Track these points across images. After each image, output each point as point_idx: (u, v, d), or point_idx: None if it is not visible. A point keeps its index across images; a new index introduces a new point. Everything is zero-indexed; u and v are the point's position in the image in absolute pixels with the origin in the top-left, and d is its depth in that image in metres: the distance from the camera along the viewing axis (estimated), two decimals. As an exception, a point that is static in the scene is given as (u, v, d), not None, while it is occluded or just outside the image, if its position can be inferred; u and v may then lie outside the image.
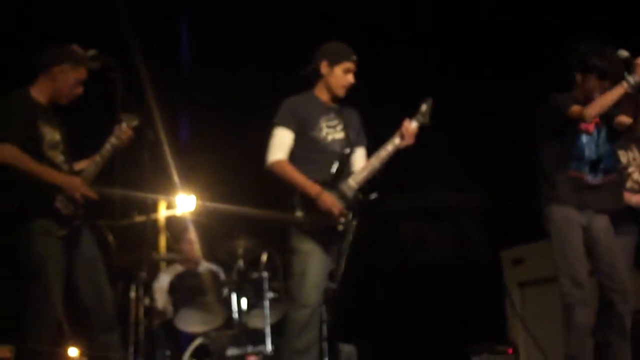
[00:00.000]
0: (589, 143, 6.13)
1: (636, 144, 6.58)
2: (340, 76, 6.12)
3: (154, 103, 7.47)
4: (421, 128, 6.10)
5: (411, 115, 6.12)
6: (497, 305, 8.71)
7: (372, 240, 6.37)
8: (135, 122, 6.00)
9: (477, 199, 8.47)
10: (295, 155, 6.07)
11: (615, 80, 5.94)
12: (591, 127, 6.14)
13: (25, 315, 5.64)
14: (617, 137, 6.32)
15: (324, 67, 6.16)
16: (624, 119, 6.29)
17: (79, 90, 6.01)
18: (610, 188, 6.19)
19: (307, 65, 6.24)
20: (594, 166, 6.10)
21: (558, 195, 6.10)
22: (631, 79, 5.82)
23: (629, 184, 6.51)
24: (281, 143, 6.07)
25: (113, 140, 5.90)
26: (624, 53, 5.90)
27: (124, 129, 5.93)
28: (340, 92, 6.15)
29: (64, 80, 5.93)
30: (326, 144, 6.09)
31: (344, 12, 9.48)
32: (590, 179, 6.10)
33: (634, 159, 6.60)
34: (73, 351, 7.61)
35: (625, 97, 5.98)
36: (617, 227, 6.22)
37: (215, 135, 9.26)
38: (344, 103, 6.28)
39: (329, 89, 6.16)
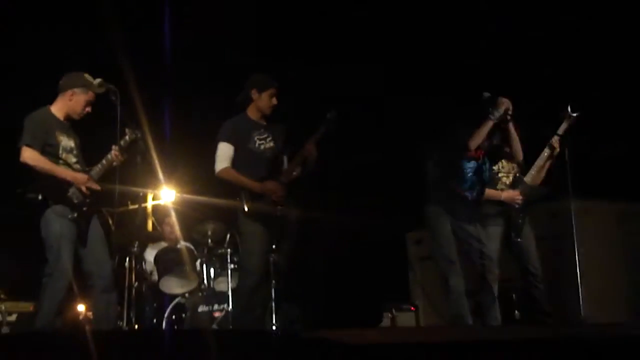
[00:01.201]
0: (473, 167, 6.31)
1: (504, 157, 6.69)
2: (267, 99, 6.35)
3: (143, 117, 7.69)
4: (326, 134, 6.29)
5: (318, 125, 6.31)
6: (403, 275, 8.74)
7: (308, 223, 6.55)
8: (138, 135, 6.16)
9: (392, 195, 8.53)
10: (237, 163, 6.26)
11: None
12: (478, 155, 6.31)
13: (44, 279, 5.78)
14: (494, 158, 6.54)
15: (254, 94, 6.36)
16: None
17: (88, 109, 6.12)
18: (480, 202, 6.39)
19: (240, 93, 6.38)
20: (473, 186, 6.31)
21: (436, 200, 6.30)
22: (495, 113, 6.09)
23: (499, 186, 6.64)
24: (224, 155, 6.25)
25: (117, 148, 6.06)
26: (486, 94, 6.12)
27: (126, 140, 6.10)
28: (268, 112, 6.37)
29: (77, 101, 6.08)
30: (259, 153, 6.30)
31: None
32: (468, 195, 6.30)
33: (503, 167, 6.73)
34: (81, 307, 7.61)
35: (497, 126, 6.21)
36: (487, 219, 6.47)
37: (192, 138, 9.12)
38: (271, 119, 6.44)
39: (259, 110, 6.39)
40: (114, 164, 6.10)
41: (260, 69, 6.57)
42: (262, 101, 6.38)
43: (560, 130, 6.67)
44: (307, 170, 6.35)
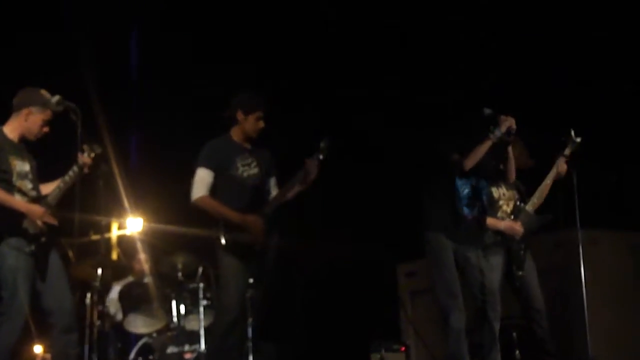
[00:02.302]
0: (467, 184, 6.12)
1: (504, 182, 6.58)
2: (253, 123, 6.09)
3: (107, 139, 7.46)
4: (322, 161, 6.08)
5: (313, 152, 6.09)
6: (393, 311, 8.54)
7: (289, 256, 6.38)
8: (98, 151, 5.92)
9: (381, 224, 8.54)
10: (217, 190, 6.02)
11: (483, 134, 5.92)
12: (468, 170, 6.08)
13: None
14: (490, 178, 6.35)
15: (239, 115, 6.10)
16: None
17: (46, 129, 5.90)
18: (481, 221, 6.21)
19: (225, 111, 6.18)
20: (470, 204, 6.11)
21: (436, 224, 6.06)
22: (496, 132, 5.85)
23: (499, 214, 6.54)
24: (202, 181, 6.01)
25: (75, 168, 5.82)
26: (487, 110, 5.91)
27: (85, 158, 5.84)
28: (254, 135, 6.14)
29: (33, 121, 5.83)
30: (242, 179, 6.05)
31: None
32: (466, 213, 6.08)
33: (503, 194, 6.62)
34: (38, 348, 7.56)
35: (496, 146, 5.99)
36: (488, 249, 6.26)
37: (160, 163, 9.15)
38: (256, 142, 6.22)
39: (244, 133, 6.13)
40: (73, 184, 5.86)
41: (237, 85, 6.40)
42: (248, 124, 6.12)
43: (566, 152, 6.53)
44: (297, 192, 6.14)
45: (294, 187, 6.10)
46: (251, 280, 6.14)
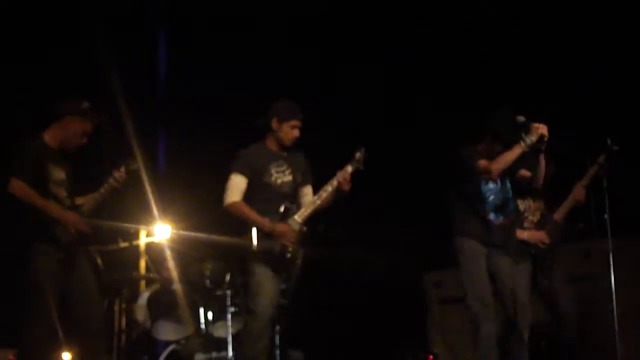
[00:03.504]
0: (493, 190, 6.15)
1: (530, 194, 6.58)
2: (288, 131, 6.10)
3: (137, 148, 7.51)
4: (356, 172, 6.09)
5: (347, 161, 6.10)
6: (421, 320, 8.56)
7: (318, 264, 6.36)
8: (135, 166, 6.01)
9: (407, 232, 8.46)
10: (250, 197, 6.03)
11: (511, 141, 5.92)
12: (495, 177, 6.10)
13: (25, 323, 5.64)
14: (516, 186, 6.33)
15: (274, 123, 6.11)
16: (525, 173, 6.30)
17: (84, 140, 5.98)
18: (509, 227, 6.20)
19: (260, 118, 6.19)
20: (497, 209, 6.12)
21: (466, 231, 6.08)
22: (527, 140, 5.82)
23: (525, 225, 6.54)
24: (236, 187, 6.03)
25: (112, 181, 5.89)
26: (521, 118, 5.88)
27: (122, 172, 5.91)
28: (289, 144, 6.14)
29: (73, 130, 5.92)
30: (276, 186, 6.07)
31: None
32: (493, 219, 6.10)
33: (529, 206, 6.62)
34: (66, 355, 7.20)
35: (526, 154, 5.97)
36: (515, 257, 6.26)
37: (188, 170, 9.06)
38: (292, 149, 6.21)
39: (278, 141, 6.13)
40: (107, 195, 5.94)
41: (267, 95, 6.35)
42: (283, 132, 6.14)
43: (600, 161, 6.44)
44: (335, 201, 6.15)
45: (326, 198, 6.10)
46: (282, 287, 6.11)
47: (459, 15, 8.83)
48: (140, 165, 6.11)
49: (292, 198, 6.14)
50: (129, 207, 6.48)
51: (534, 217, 6.62)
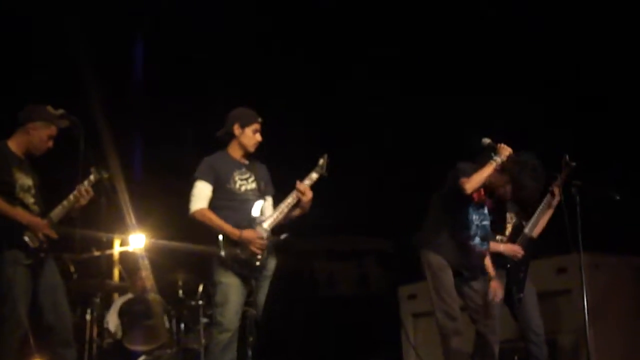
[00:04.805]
0: (485, 218, 6.17)
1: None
2: (251, 136, 6.12)
3: (111, 154, 7.49)
4: (320, 179, 6.11)
5: (310, 169, 6.11)
6: (394, 332, 8.49)
7: (290, 274, 6.34)
8: (105, 175, 5.99)
9: (380, 243, 8.45)
10: (214, 204, 6.00)
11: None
12: (480, 200, 6.13)
13: None
14: (501, 208, 6.42)
15: (236, 129, 6.13)
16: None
17: (50, 144, 5.94)
18: (484, 256, 6.21)
19: (221, 129, 6.20)
20: (484, 237, 6.14)
21: (438, 245, 6.07)
22: (498, 159, 5.87)
23: (498, 237, 6.57)
24: (201, 194, 6.02)
25: (77, 193, 5.86)
26: (486, 140, 5.98)
27: (87, 187, 5.89)
28: (252, 149, 6.16)
29: (37, 135, 5.89)
30: (240, 194, 6.05)
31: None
32: (477, 244, 6.10)
33: (511, 218, 6.69)
34: None
35: (496, 171, 5.99)
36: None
37: (164, 179, 9.06)
38: (253, 158, 6.22)
39: (242, 147, 6.15)
40: (76, 205, 5.91)
41: (240, 104, 6.34)
42: (245, 137, 6.16)
43: (561, 177, 6.52)
44: (299, 213, 6.14)
45: (289, 209, 6.09)
46: (250, 298, 6.06)
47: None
48: (112, 174, 6.11)
49: (255, 206, 6.08)
50: (103, 216, 6.41)
51: (507, 231, 6.67)
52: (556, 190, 6.56)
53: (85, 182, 5.91)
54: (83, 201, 5.91)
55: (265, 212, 6.13)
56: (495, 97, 8.43)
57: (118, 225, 7.96)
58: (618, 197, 6.37)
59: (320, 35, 9.34)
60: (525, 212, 6.74)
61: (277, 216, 6.07)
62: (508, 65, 8.56)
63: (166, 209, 8.59)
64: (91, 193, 5.93)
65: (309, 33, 9.34)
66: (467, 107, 8.54)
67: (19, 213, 5.73)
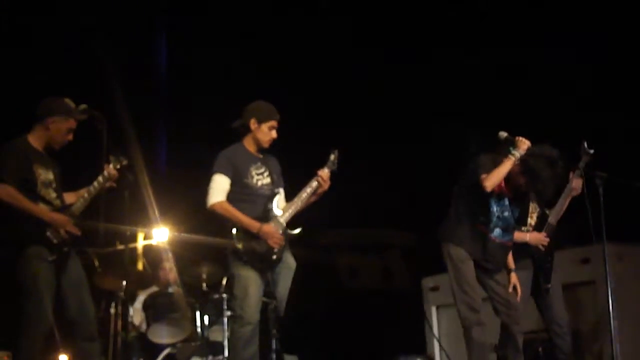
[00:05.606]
0: (507, 208, 6.11)
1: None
2: (266, 132, 6.12)
3: (134, 147, 7.53)
4: (332, 174, 6.16)
5: (322, 163, 6.15)
6: (418, 324, 8.45)
7: (312, 267, 6.35)
8: (124, 162, 6.01)
9: (403, 236, 8.41)
10: (230, 198, 6.04)
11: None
12: (501, 192, 6.07)
13: (21, 326, 5.64)
14: (523, 199, 6.34)
15: (252, 124, 6.13)
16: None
17: (70, 137, 5.95)
18: (508, 248, 6.18)
19: (237, 120, 6.22)
20: (505, 229, 6.10)
21: (459, 238, 6.07)
22: (516, 153, 5.82)
23: (524, 228, 6.53)
24: (220, 187, 6.04)
25: (101, 178, 5.90)
26: (503, 134, 5.94)
27: (112, 169, 5.92)
28: (266, 145, 6.17)
29: (56, 130, 5.90)
30: (257, 189, 6.09)
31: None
32: (496, 236, 6.07)
33: (535, 208, 6.65)
34: (63, 358, 7.41)
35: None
36: (515, 262, 6.27)
37: (188, 172, 9.07)
38: (265, 151, 6.25)
39: (256, 142, 6.16)
40: (98, 194, 5.95)
41: (261, 97, 6.36)
42: (261, 133, 6.17)
43: (581, 165, 6.53)
44: (314, 200, 6.20)
45: (307, 198, 6.15)
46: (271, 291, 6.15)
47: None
48: (129, 162, 6.11)
49: (271, 200, 6.14)
50: (126, 209, 6.46)
51: (532, 220, 6.64)
52: (575, 182, 6.54)
53: (105, 172, 5.93)
54: (110, 183, 5.94)
55: (278, 205, 6.16)
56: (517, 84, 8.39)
57: (142, 218, 8.01)
58: None
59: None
60: (545, 202, 6.69)
61: (293, 211, 6.12)
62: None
63: (190, 202, 8.63)
64: (116, 174, 5.96)
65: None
66: (491, 100, 8.48)
67: (41, 210, 5.77)
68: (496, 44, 8.63)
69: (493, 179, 5.86)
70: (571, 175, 6.55)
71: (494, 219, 6.07)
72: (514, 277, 6.21)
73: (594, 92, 8.13)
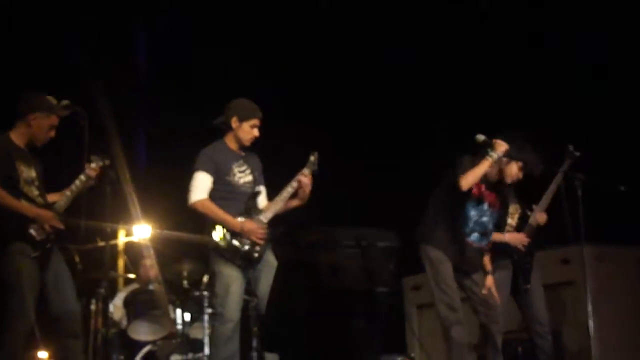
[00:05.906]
0: (484, 213, 6.20)
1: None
2: (248, 130, 6.10)
3: (115, 144, 7.51)
4: (312, 175, 6.13)
5: (303, 165, 6.14)
6: (399, 323, 8.58)
7: (292, 265, 6.37)
8: (107, 162, 6.01)
9: (383, 235, 8.45)
10: (212, 195, 6.03)
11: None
12: (480, 195, 6.16)
13: (4, 321, 5.64)
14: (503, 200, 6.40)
15: (234, 122, 6.11)
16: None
17: (52, 134, 5.94)
18: (483, 253, 6.26)
19: (219, 117, 6.20)
20: (483, 233, 6.18)
21: (437, 240, 6.13)
22: (494, 154, 5.89)
23: (505, 229, 6.59)
24: (202, 185, 6.03)
25: (83, 177, 5.90)
26: (481, 137, 5.99)
27: (93, 168, 5.92)
28: (247, 144, 6.16)
29: (38, 126, 5.88)
30: (239, 186, 6.09)
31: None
32: (474, 240, 6.16)
33: (515, 210, 6.71)
34: (43, 354, 7.36)
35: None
36: (495, 263, 6.35)
37: (170, 168, 8.97)
38: (247, 149, 6.23)
39: (238, 140, 6.14)
40: (80, 192, 5.95)
41: (242, 95, 6.35)
42: (242, 132, 6.16)
43: (564, 168, 6.61)
44: (297, 204, 6.20)
45: (287, 198, 6.14)
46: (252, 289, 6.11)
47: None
48: (111, 161, 6.13)
49: (252, 198, 6.15)
50: (108, 206, 6.44)
51: (513, 221, 6.68)
52: (539, 216, 6.66)
53: (87, 171, 5.92)
54: (91, 182, 5.94)
55: (259, 202, 6.18)
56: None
57: (123, 215, 7.89)
58: (623, 189, 6.42)
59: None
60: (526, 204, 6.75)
61: (274, 210, 6.11)
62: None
63: (171, 199, 8.61)
64: (99, 172, 5.96)
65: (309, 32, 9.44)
66: (474, 104, 8.57)
67: (25, 206, 5.76)
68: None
69: (469, 179, 5.91)
70: (555, 177, 6.61)
71: (471, 223, 6.14)
72: (489, 280, 6.26)
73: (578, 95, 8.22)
